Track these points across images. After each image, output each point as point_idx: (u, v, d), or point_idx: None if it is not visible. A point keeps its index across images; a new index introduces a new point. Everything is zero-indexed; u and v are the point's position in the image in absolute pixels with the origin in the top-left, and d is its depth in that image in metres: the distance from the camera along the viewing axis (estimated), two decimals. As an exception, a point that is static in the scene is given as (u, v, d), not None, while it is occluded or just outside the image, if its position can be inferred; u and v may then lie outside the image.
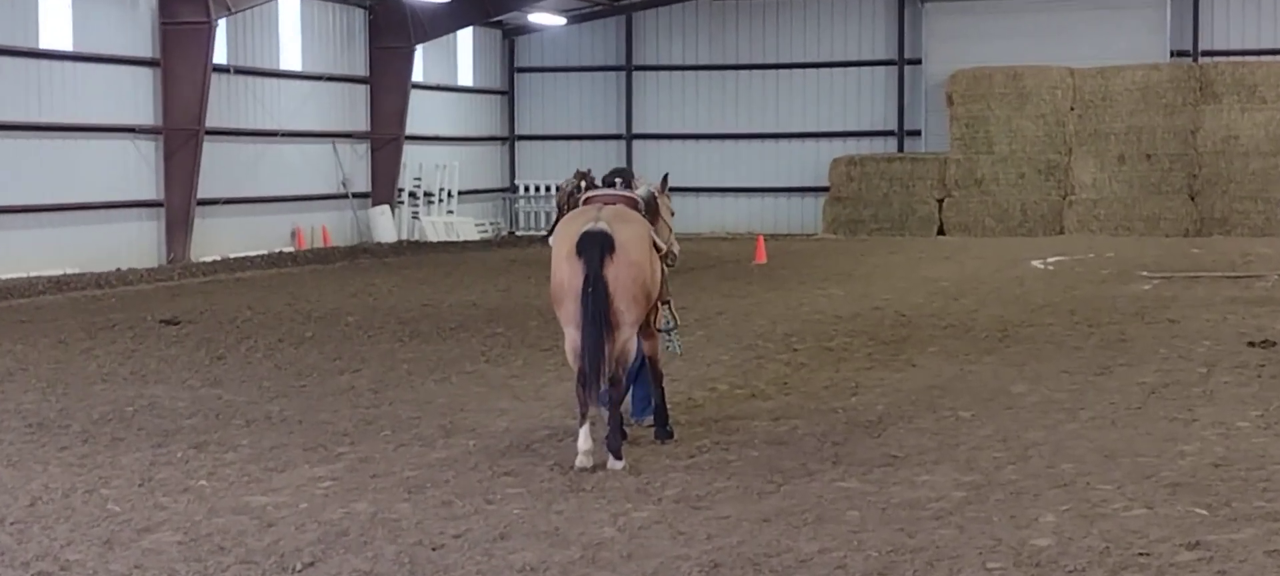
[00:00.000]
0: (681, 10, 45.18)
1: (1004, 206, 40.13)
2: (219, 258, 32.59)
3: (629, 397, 12.28)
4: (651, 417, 12.21)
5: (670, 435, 11.96)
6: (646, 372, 12.18)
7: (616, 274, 10.91)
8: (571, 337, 11.16)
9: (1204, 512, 9.45)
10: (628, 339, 11.23)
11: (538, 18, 43.93)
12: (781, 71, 44.37)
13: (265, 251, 34.13)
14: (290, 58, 36.80)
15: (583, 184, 12.16)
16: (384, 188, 39.70)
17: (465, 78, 44.72)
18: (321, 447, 11.89)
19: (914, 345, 17.88)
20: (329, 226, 37.63)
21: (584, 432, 10.99)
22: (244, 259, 32.75)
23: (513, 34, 46.36)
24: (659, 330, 12.11)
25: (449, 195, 42.52)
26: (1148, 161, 39.27)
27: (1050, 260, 30.70)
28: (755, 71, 44.63)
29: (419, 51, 40.48)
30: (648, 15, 45.60)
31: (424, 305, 23.31)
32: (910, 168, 41.27)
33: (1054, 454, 11.35)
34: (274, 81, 36.11)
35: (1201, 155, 39.05)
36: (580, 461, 10.88)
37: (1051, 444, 11.75)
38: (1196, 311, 20.83)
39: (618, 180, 11.97)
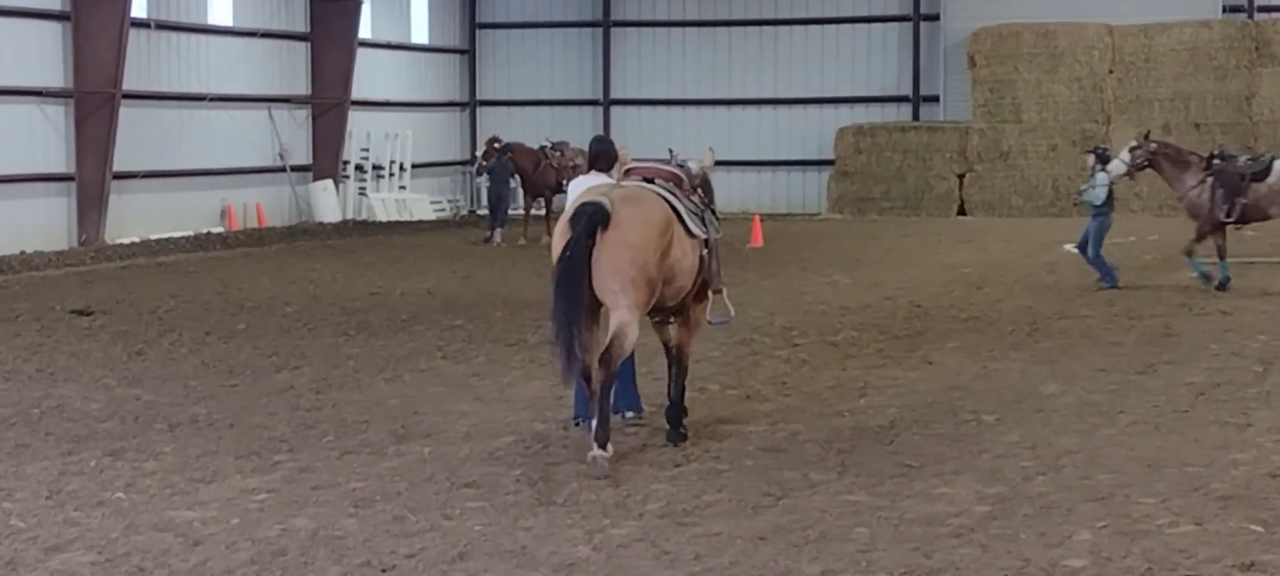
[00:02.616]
0: (666, -42, 45.24)
1: (1033, 183, 40.21)
2: (138, 239, 32.52)
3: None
4: (632, 414, 12.57)
5: (683, 437, 12.25)
6: (630, 366, 12.38)
7: (607, 251, 11.33)
8: None
9: (1259, 529, 9.49)
10: (624, 325, 11.47)
11: (503, -34, 43.94)
12: (780, 28, 44.37)
13: (191, 232, 34.06)
14: (220, 11, 36.72)
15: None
16: (327, 160, 39.64)
17: (420, 35, 44.67)
18: (255, 455, 11.88)
19: (931, 340, 17.93)
20: (264, 204, 37.58)
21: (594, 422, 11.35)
22: (167, 240, 32.69)
23: (474, -16, 46.40)
24: (710, 321, 12.58)
25: (401, 168, 42.48)
26: (1197, 132, 39.32)
27: (1085, 244, 30.72)
28: (751, 28, 44.62)
29: (367, 4, 40.42)
30: (628, -37, 45.67)
31: (373, 294, 23.30)
32: (927, 138, 41.33)
33: (1089, 463, 11.39)
34: (201, 38, 36.01)
35: (1257, 125, 39.15)
36: (592, 454, 11.24)
37: (1087, 452, 11.79)
38: (1251, 302, 20.91)
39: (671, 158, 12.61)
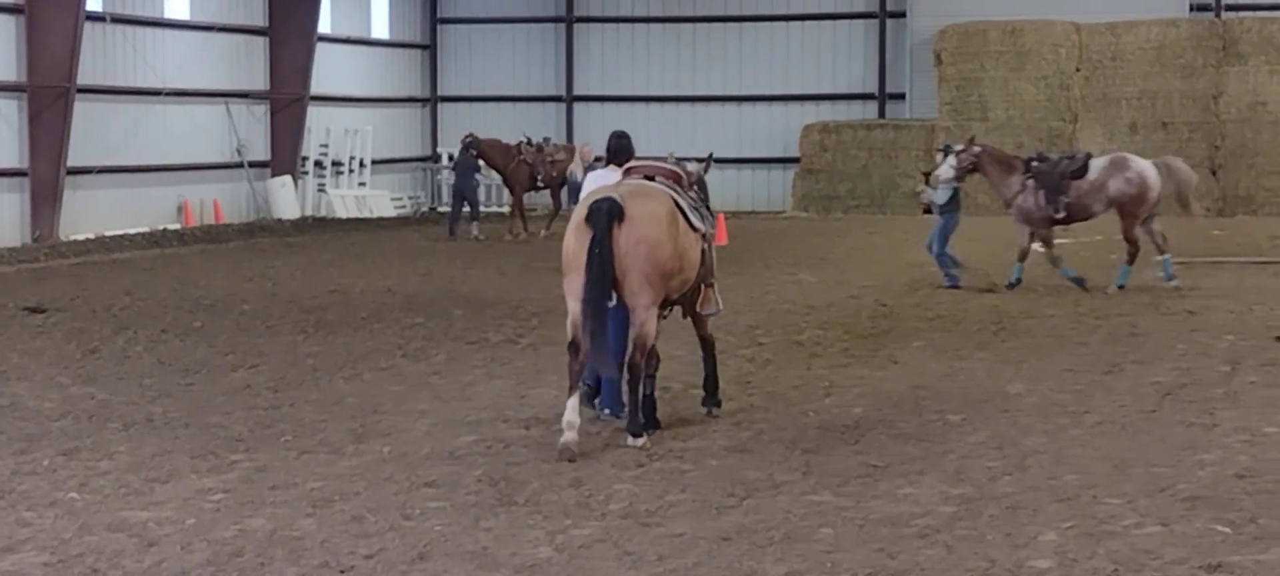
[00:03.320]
0: (630, -47, 45.25)
1: (999, 181, 40.31)
2: (93, 235, 32.38)
3: (602, 388, 13.16)
4: (619, 414, 12.88)
5: (718, 404, 13.24)
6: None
7: (625, 247, 11.88)
8: (573, 311, 12.07)
9: (1226, 530, 9.52)
10: (645, 321, 12.10)
11: (464, -40, 43.90)
12: (745, 25, 44.43)
13: (147, 229, 33.94)
14: (177, 5, 36.58)
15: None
16: (285, 156, 39.55)
17: (380, 30, 44.58)
18: (212, 455, 11.83)
19: (896, 339, 17.96)
20: (221, 200, 37.46)
21: (571, 405, 11.83)
22: (122, 237, 32.56)
23: (435, -21, 46.32)
24: (700, 312, 13.18)
25: (361, 165, 42.41)
26: (1163, 131, 39.55)
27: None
28: (715, 24, 44.67)
29: (326, -2, 40.38)
30: (591, -41, 45.66)
31: (332, 291, 23.24)
32: (893, 136, 41.42)
33: (1055, 463, 11.42)
34: (157, 32, 35.88)
35: (1224, 124, 39.36)
36: (563, 439, 11.64)
37: (1053, 452, 11.82)
38: (1218, 302, 21.01)
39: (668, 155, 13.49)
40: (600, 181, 13.40)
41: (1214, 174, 39.27)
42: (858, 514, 9.99)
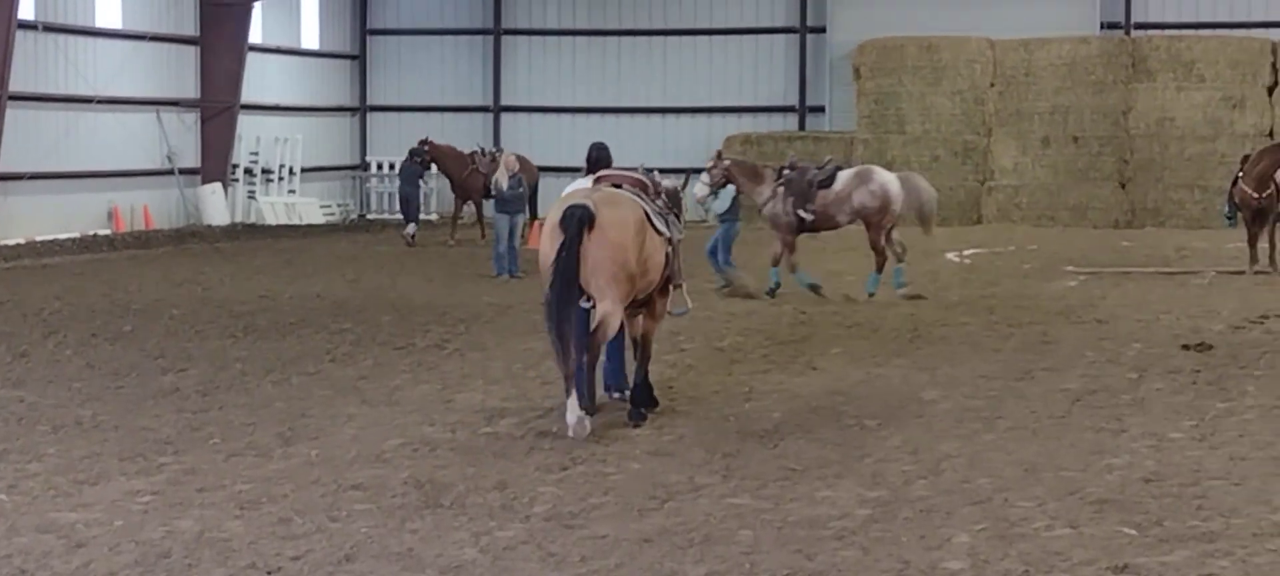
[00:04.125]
0: (557, -33, 45.21)
1: (916, 193, 40.51)
2: (23, 240, 32.05)
3: (602, 369, 13.77)
4: (619, 393, 13.68)
5: (643, 417, 13.13)
6: (619, 350, 13.71)
7: (594, 250, 12.47)
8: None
9: (1133, 532, 9.60)
10: (608, 314, 12.59)
11: (394, -27, 43.73)
12: (669, 38, 44.47)
13: (77, 234, 33.63)
14: (108, 13, 36.27)
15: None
16: (215, 163, 39.26)
17: (310, 40, 44.35)
18: (140, 457, 11.74)
19: (815, 346, 18.01)
20: (151, 206, 37.16)
21: (572, 404, 12.38)
22: (52, 242, 32.25)
23: (365, -10, 46.12)
24: (671, 313, 13.93)
25: (290, 172, 42.17)
26: (1075, 144, 39.87)
27: (967, 252, 31.07)
28: (640, 38, 44.68)
29: (257, 9, 40.10)
30: (519, -28, 45.58)
31: (261, 297, 23.11)
32: (813, 148, 41.37)
33: (969, 467, 11.48)
34: (89, 40, 35.58)
35: (1133, 138, 39.71)
36: (573, 431, 12.25)
37: (966, 456, 11.88)
38: (1126, 311, 21.18)
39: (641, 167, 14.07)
40: (572, 190, 13.75)
41: (1123, 187, 39.62)
42: (776, 516, 10.01)
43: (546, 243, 12.74)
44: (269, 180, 41.51)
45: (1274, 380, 15.50)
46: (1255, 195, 26.18)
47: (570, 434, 12.29)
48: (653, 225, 13.07)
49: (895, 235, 22.95)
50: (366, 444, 12.30)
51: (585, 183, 13.91)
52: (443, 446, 12.25)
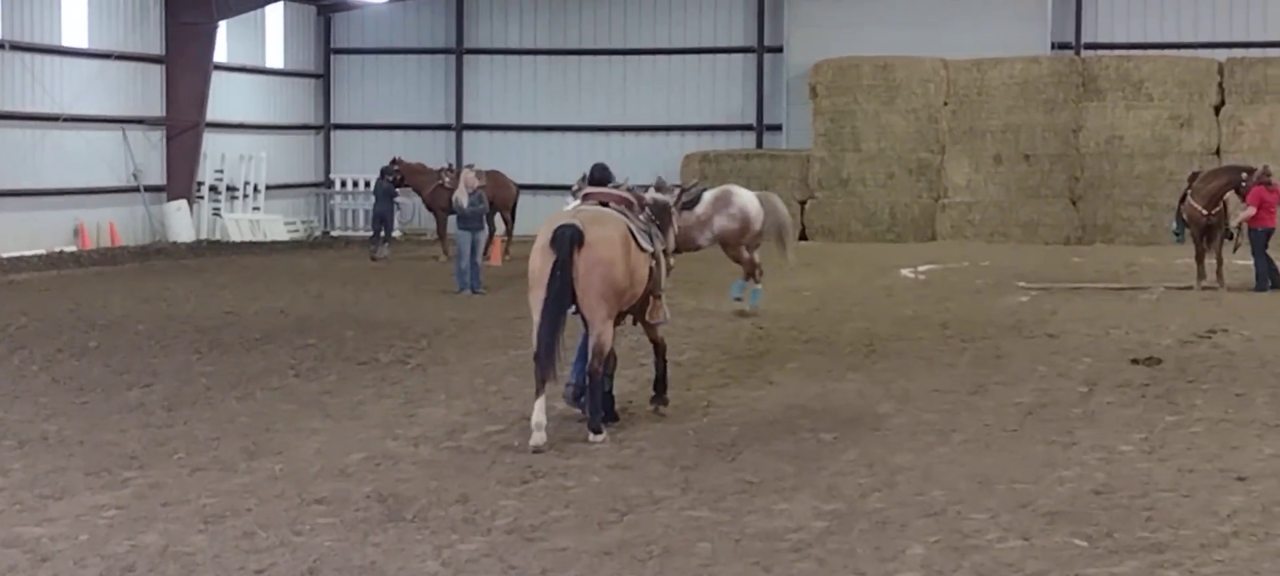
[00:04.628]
0: (519, -13, 45.19)
1: (871, 209, 40.64)
2: (-10, 257, 31.85)
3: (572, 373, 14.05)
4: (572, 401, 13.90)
5: (666, 403, 14.25)
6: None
7: (584, 268, 12.87)
8: (537, 323, 13.02)
9: (1084, 544, 9.64)
10: (602, 332, 13.07)
11: (357, -8, 43.67)
12: (629, 58, 44.51)
13: (43, 251, 33.40)
14: (75, 33, 36.10)
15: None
16: (181, 180, 39.09)
17: (275, 59, 44.22)
18: (105, 472, 11.67)
19: (772, 361, 18.03)
20: (117, 223, 36.98)
21: (538, 406, 12.70)
22: (18, 259, 32.00)
23: (329, 10, 45.96)
24: (653, 322, 14.23)
25: (255, 190, 42.02)
26: (1026, 162, 40.02)
27: (921, 268, 31.16)
28: (600, 57, 44.71)
29: (222, 28, 39.94)
30: (481, -8, 45.55)
31: (226, 313, 23.01)
32: (770, 165, 41.61)
33: (923, 480, 11.51)
34: (55, 59, 35.38)
35: (1083, 156, 39.89)
36: (534, 439, 12.53)
37: (920, 469, 11.91)
38: (1077, 326, 21.26)
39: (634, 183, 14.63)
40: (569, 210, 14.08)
41: (1074, 204, 39.77)
42: (734, 528, 10.01)
43: (538, 260, 13.07)
44: (234, 197, 41.35)
45: (1221, 394, 15.59)
46: (1204, 213, 26.34)
47: (531, 444, 12.53)
48: (636, 241, 13.47)
49: (756, 256, 22.96)
50: (330, 458, 12.26)
51: (575, 202, 14.28)
52: (405, 460, 12.22)
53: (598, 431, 12.99)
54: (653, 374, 14.50)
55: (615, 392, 14.05)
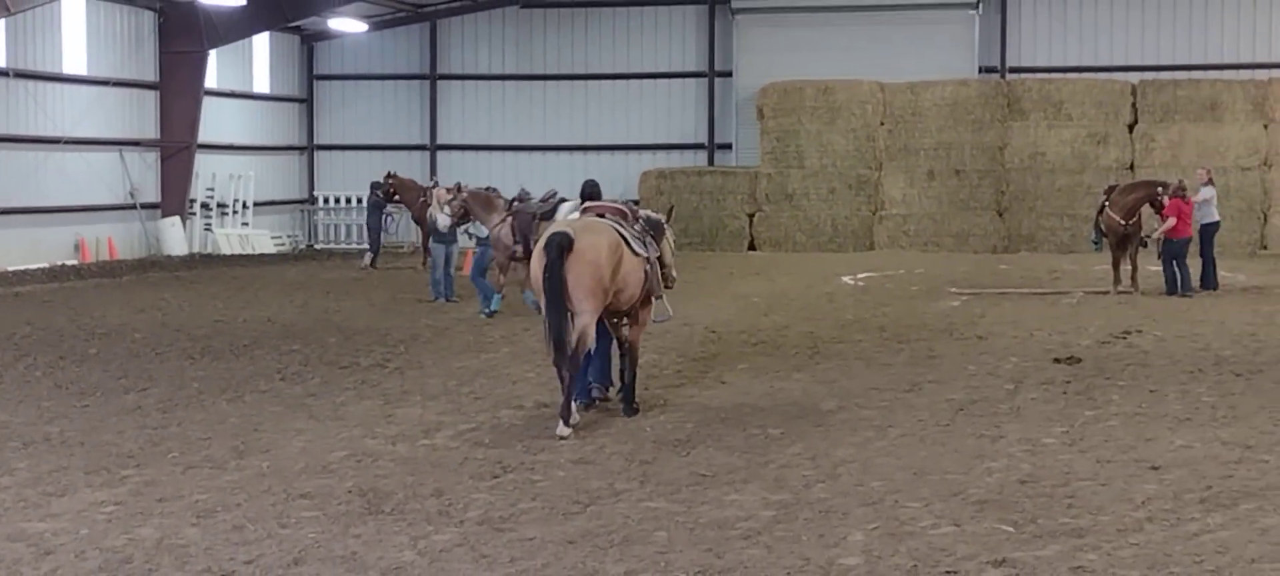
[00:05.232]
0: (488, 18, 45.08)
1: (815, 221, 40.69)
2: (-4, 271, 31.63)
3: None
4: (583, 400, 14.15)
5: (635, 410, 14.18)
6: (607, 352, 14.58)
7: (572, 270, 13.23)
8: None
9: (1010, 529, 9.67)
10: (585, 326, 13.37)
11: (338, 23, 43.48)
12: (590, 82, 44.49)
13: (46, 264, 33.19)
14: (74, 61, 35.88)
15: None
16: (174, 198, 38.89)
17: (262, 85, 44.05)
18: (104, 470, 11.61)
19: (723, 362, 18.05)
20: (115, 238, 36.76)
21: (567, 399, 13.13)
22: (23, 272, 31.79)
23: (312, 40, 45.80)
24: (654, 320, 14.73)
25: (243, 206, 41.84)
26: (957, 177, 40.14)
27: (860, 276, 31.23)
28: (563, 82, 44.69)
29: (212, 56, 39.76)
30: (453, 22, 45.42)
31: (216, 321, 22.90)
32: (721, 181, 41.65)
33: (863, 471, 11.53)
34: (57, 86, 35.16)
35: (1009, 172, 40.01)
36: (561, 432, 13.00)
37: (860, 461, 11.93)
38: (1004, 328, 21.34)
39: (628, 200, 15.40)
40: (564, 218, 14.82)
41: (1000, 215, 39.90)
42: (688, 518, 10.01)
43: (535, 264, 13.53)
44: (224, 213, 41.16)
45: (1136, 390, 15.67)
46: (1122, 223, 26.46)
47: (559, 433, 12.95)
48: (630, 247, 13.78)
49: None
50: (314, 456, 12.21)
51: (574, 213, 14.84)
52: (384, 457, 12.18)
53: (567, 421, 13.10)
54: (627, 372, 14.47)
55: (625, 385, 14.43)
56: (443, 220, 24.48)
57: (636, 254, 13.93)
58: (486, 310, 23.18)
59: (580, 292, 13.32)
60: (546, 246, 13.35)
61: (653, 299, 14.45)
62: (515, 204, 23.33)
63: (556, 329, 13.14)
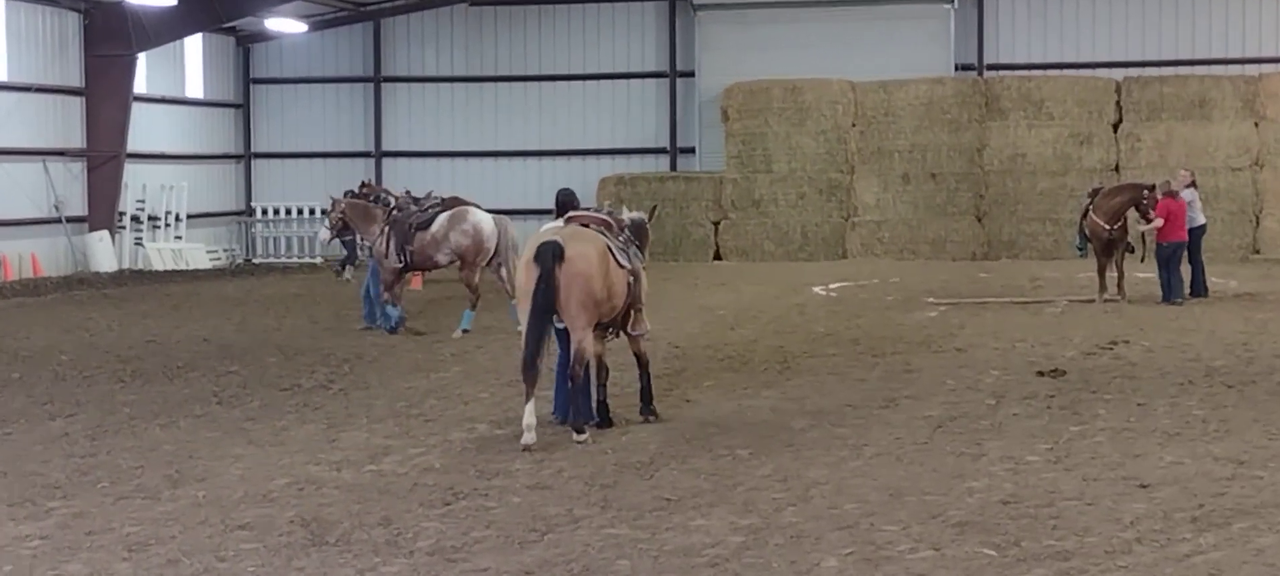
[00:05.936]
0: (434, 17, 45.07)
1: (784, 229, 40.78)
2: (-89, 290, 31.42)
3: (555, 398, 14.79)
4: (561, 418, 14.45)
5: (655, 414, 14.97)
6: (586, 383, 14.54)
7: (564, 281, 13.61)
8: (524, 333, 13.69)
9: (992, 553, 9.70)
10: (582, 339, 13.81)
11: (275, 24, 43.37)
12: (544, 83, 44.52)
13: (-35, 283, 33.03)
14: (-6, 66, 35.72)
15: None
16: (102, 211, 38.71)
17: (194, 89, 43.92)
18: (29, 502, 11.53)
19: (688, 379, 18.05)
20: (39, 254, 36.57)
21: (529, 409, 13.48)
22: (-60, 292, 31.65)
23: (248, 42, 45.70)
24: (635, 333, 14.88)
25: (177, 219, 41.68)
26: (933, 181, 40.29)
27: (832, 286, 31.30)
28: (516, 83, 44.70)
29: (142, 60, 39.61)
30: (397, 22, 45.40)
31: (148, 341, 22.80)
32: (684, 188, 41.69)
33: (836, 493, 11.55)
34: (-26, 92, 35.00)
35: (988, 174, 40.19)
36: (525, 439, 13.38)
37: (834, 483, 11.95)
38: (984, 340, 21.41)
39: (602, 205, 15.45)
40: (546, 230, 14.63)
41: (979, 221, 40.08)
42: (652, 545, 10.01)
43: (523, 275, 13.86)
44: (156, 227, 41.00)
45: (1124, 404, 15.75)
46: (1107, 228, 26.59)
47: (522, 443, 13.35)
48: (615, 258, 14.20)
49: (504, 273, 23.06)
50: (253, 484, 12.17)
51: (556, 223, 14.82)
52: (328, 485, 12.14)
53: (580, 431, 13.82)
54: (641, 377, 15.07)
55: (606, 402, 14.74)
56: (323, 233, 24.50)
57: (621, 265, 14.33)
58: (387, 325, 23.10)
59: (573, 304, 13.75)
60: (538, 256, 13.66)
61: (633, 310, 14.76)
62: (395, 213, 23.26)
63: (536, 342, 13.46)
